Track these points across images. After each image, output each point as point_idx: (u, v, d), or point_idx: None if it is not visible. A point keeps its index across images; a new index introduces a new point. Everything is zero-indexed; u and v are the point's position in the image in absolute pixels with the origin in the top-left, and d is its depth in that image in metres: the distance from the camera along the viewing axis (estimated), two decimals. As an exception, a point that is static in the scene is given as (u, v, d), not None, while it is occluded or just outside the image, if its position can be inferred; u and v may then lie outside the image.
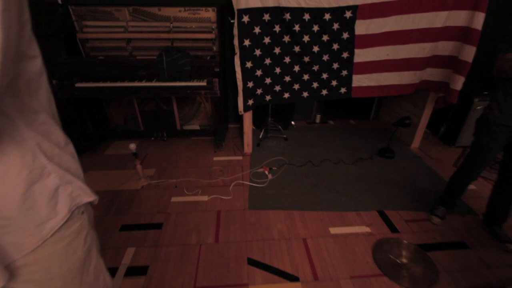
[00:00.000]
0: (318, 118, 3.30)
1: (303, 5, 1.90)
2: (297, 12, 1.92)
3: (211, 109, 2.73)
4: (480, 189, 2.16)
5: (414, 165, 2.47)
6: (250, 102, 2.27)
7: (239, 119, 2.40)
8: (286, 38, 2.04)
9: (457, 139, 2.68)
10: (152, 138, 2.77)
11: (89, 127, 2.54)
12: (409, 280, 1.46)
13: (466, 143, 2.60)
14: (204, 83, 2.22)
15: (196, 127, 2.84)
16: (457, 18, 1.98)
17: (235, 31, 1.97)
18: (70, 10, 2.24)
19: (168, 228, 1.74)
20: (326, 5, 1.92)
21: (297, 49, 2.08)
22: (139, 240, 1.65)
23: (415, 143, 2.74)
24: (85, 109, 2.48)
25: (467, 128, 2.58)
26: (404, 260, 1.57)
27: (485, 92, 2.46)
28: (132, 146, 1.94)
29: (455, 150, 2.66)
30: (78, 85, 2.16)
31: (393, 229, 1.79)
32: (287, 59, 2.13)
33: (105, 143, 2.71)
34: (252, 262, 1.53)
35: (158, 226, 1.75)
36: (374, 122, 3.36)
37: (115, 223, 1.77)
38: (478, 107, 2.45)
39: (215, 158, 2.52)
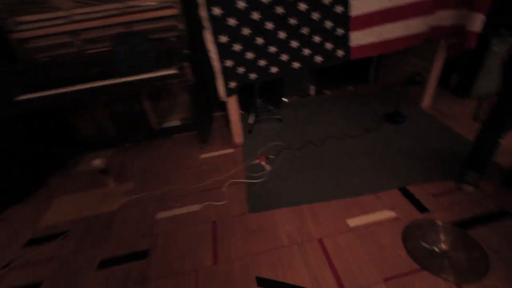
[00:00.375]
0: (312, 89, 2.94)
1: None
2: None
3: (189, 100, 2.36)
4: (512, 143, 1.86)
5: (429, 126, 2.16)
6: (233, 84, 1.90)
7: (224, 106, 2.06)
8: (264, -1, 1.64)
9: (472, 89, 2.36)
10: (128, 144, 2.40)
11: (51, 144, 2.16)
12: (453, 271, 1.20)
13: (485, 93, 2.28)
14: (174, 71, 1.85)
15: (176, 122, 2.47)
16: None
17: (200, -1, 1.56)
18: (-6, 6, 1.81)
19: (156, 255, 1.43)
20: None
21: (280, 10, 1.68)
22: (121, 277, 1.34)
23: (426, 102, 2.41)
24: (41, 124, 2.09)
25: (485, 75, 2.24)
26: (444, 246, 1.31)
27: (504, 30, 2.09)
28: (97, 162, 1.59)
29: (471, 103, 2.35)
30: (19, 98, 1.76)
31: (421, 208, 1.52)
32: (269, 25, 1.73)
33: (74, 159, 2.33)
34: (262, 282, 1.25)
35: (144, 255, 1.43)
36: (375, 85, 3.01)
37: (91, 259, 1.44)
38: (497, 49, 2.10)
39: (203, 155, 2.18)
